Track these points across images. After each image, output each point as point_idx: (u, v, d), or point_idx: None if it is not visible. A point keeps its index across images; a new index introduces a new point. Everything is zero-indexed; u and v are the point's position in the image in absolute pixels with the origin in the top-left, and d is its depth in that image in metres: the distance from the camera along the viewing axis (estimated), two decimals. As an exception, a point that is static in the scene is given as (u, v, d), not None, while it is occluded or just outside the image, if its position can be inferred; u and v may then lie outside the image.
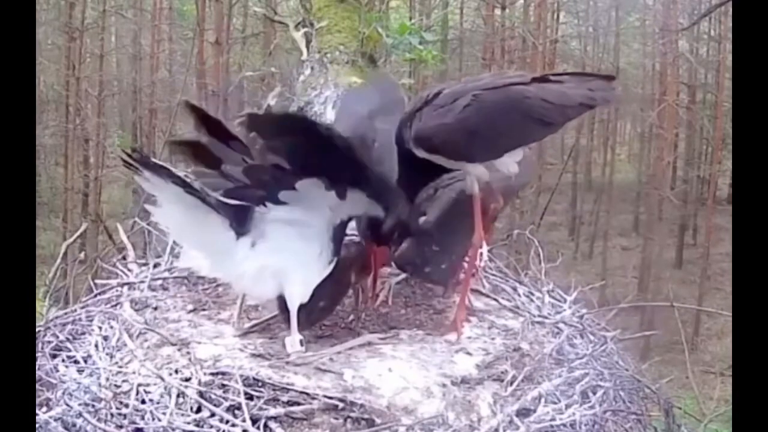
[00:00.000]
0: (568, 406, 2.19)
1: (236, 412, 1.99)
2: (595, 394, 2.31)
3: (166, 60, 17.75)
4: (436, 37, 11.02)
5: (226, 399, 2.02)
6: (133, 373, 2.17)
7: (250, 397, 2.03)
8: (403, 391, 2.09)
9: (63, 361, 2.34)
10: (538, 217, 15.90)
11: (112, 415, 2.05)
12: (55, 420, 2.06)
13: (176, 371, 2.16)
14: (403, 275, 2.72)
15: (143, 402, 2.06)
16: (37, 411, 2.07)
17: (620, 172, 21.19)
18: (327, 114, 3.45)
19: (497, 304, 2.72)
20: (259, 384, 2.06)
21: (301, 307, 2.25)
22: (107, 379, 2.17)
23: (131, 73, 17.28)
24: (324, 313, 2.46)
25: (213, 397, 2.04)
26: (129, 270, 2.87)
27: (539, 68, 14.33)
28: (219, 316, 2.54)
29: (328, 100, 3.55)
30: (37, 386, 2.18)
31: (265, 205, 2.16)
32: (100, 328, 2.47)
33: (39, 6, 12.95)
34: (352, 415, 2.01)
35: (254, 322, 2.48)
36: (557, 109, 2.34)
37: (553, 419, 2.13)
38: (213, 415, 1.99)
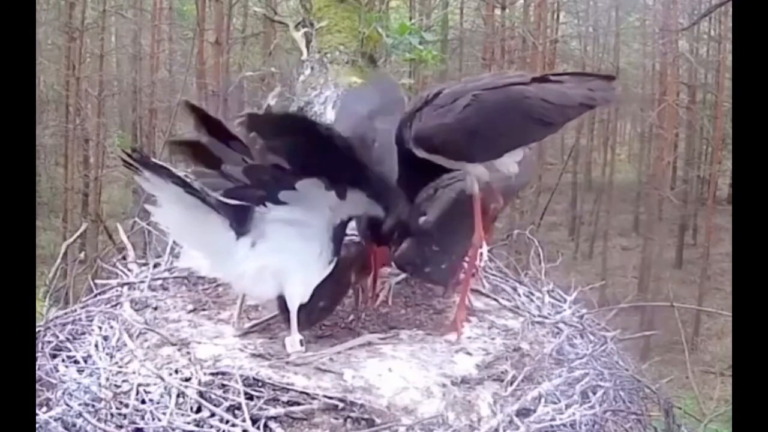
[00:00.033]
0: (568, 406, 2.18)
1: (236, 412, 1.99)
2: (595, 394, 2.31)
3: (166, 60, 17.74)
4: (436, 37, 11.03)
5: (226, 399, 2.02)
6: (133, 373, 2.17)
7: (250, 397, 2.03)
8: (403, 391, 2.09)
9: (63, 361, 2.34)
10: (538, 217, 15.90)
11: (112, 415, 2.05)
12: (55, 420, 2.06)
13: (176, 371, 2.15)
14: (403, 275, 2.72)
15: (143, 402, 2.06)
16: (37, 411, 2.07)
17: (620, 172, 21.19)
18: (327, 114, 3.45)
19: (497, 304, 2.72)
20: (259, 384, 2.06)
21: (301, 307, 2.25)
22: (107, 379, 2.17)
23: (131, 73, 17.28)
24: (324, 313, 2.46)
25: (213, 397, 2.04)
26: (129, 270, 2.87)
27: (539, 68, 14.33)
28: (219, 316, 2.54)
29: (328, 100, 3.55)
30: (37, 386, 2.18)
31: (265, 205, 2.16)
32: (100, 328, 2.47)
33: (39, 6, 12.95)
34: (352, 415, 2.01)
35: (254, 322, 2.48)
36: (557, 109, 2.34)
37: (553, 419, 2.13)
38: (213, 415, 1.99)
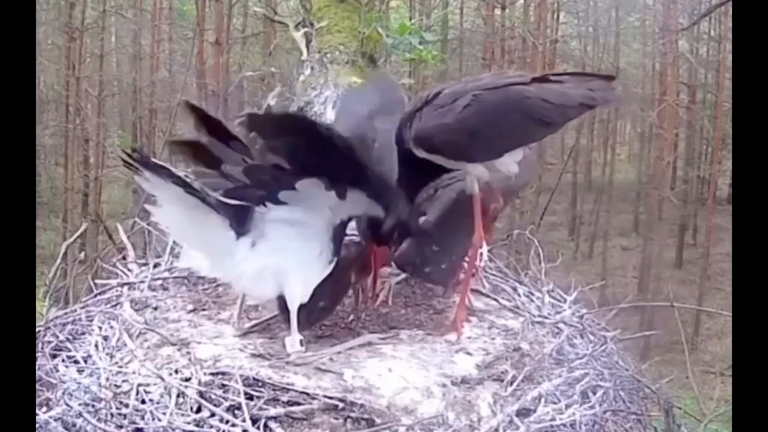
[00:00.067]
0: (568, 406, 2.19)
1: (236, 412, 1.99)
2: (595, 394, 2.31)
3: (166, 60, 17.73)
4: (436, 37, 11.03)
5: (226, 399, 2.02)
6: (133, 373, 2.17)
7: (250, 397, 2.03)
8: (403, 391, 2.09)
9: (63, 361, 2.34)
10: (538, 217, 15.89)
11: (112, 415, 2.05)
12: (55, 420, 2.06)
13: (176, 371, 2.15)
14: (403, 275, 2.72)
15: (143, 402, 2.06)
16: (37, 411, 2.07)
17: (620, 172, 21.20)
18: (327, 114, 3.45)
19: (497, 304, 2.72)
20: (259, 384, 2.06)
21: (301, 307, 2.25)
22: (107, 379, 2.17)
23: (131, 73, 17.27)
24: (324, 313, 2.46)
25: (213, 397, 2.04)
26: (129, 270, 2.87)
27: (539, 68, 14.33)
28: (219, 316, 2.54)
29: (328, 100, 3.55)
30: (37, 386, 2.18)
31: (265, 205, 2.16)
32: (100, 328, 2.47)
33: (39, 6, 12.97)
34: (352, 415, 2.01)
35: (254, 322, 2.48)
36: (557, 109, 2.34)
37: (553, 419, 2.13)
38: (213, 415, 1.99)
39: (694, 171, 19.29)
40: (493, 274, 2.92)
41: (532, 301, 2.80)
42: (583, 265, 16.91)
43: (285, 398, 2.03)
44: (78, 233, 6.23)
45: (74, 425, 2.05)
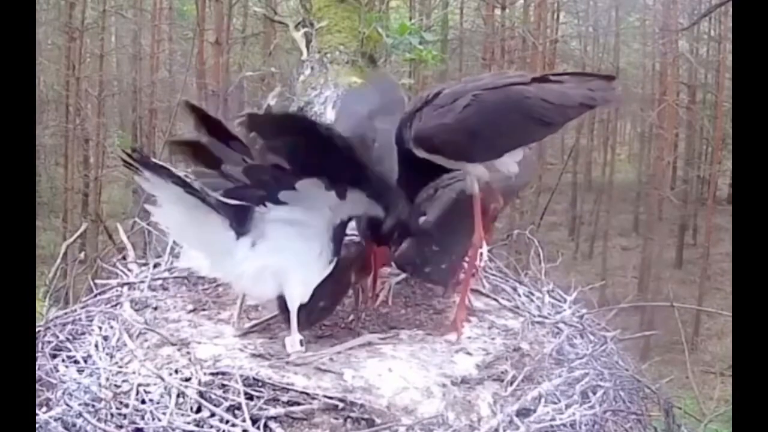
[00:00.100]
0: (568, 406, 2.19)
1: (236, 412, 1.99)
2: (595, 394, 2.31)
3: (166, 60, 17.73)
4: (436, 37, 11.03)
5: (226, 399, 2.02)
6: (133, 373, 2.17)
7: (250, 397, 2.03)
8: (403, 391, 2.09)
9: (63, 361, 2.34)
10: (538, 217, 15.89)
11: (112, 415, 2.05)
12: (55, 420, 2.06)
13: (176, 371, 2.15)
14: (403, 275, 2.72)
15: (143, 402, 2.06)
16: (37, 411, 2.07)
17: (620, 172, 21.20)
18: (327, 114, 3.45)
19: (497, 304, 2.72)
20: (259, 384, 2.06)
21: (301, 307, 2.25)
22: (107, 379, 2.17)
23: (131, 73, 17.27)
24: (324, 313, 2.46)
25: (213, 397, 2.04)
26: (129, 270, 2.87)
27: (539, 68, 14.33)
28: (219, 316, 2.54)
29: (328, 100, 3.55)
30: (37, 386, 2.18)
31: (265, 205, 2.16)
32: (100, 328, 2.47)
33: (39, 6, 12.96)
34: (352, 415, 2.01)
35: (254, 322, 2.48)
36: (557, 109, 2.34)
37: (553, 419, 2.13)
38: (213, 415, 1.99)
39: (694, 171, 19.29)
40: (493, 274, 2.92)
41: (532, 301, 2.80)
42: (583, 265, 16.91)
43: (285, 398, 2.03)
44: (78, 233, 6.23)
45: (74, 425, 2.05)
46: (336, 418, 2.01)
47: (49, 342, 2.43)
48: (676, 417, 2.83)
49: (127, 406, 2.05)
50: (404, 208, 2.42)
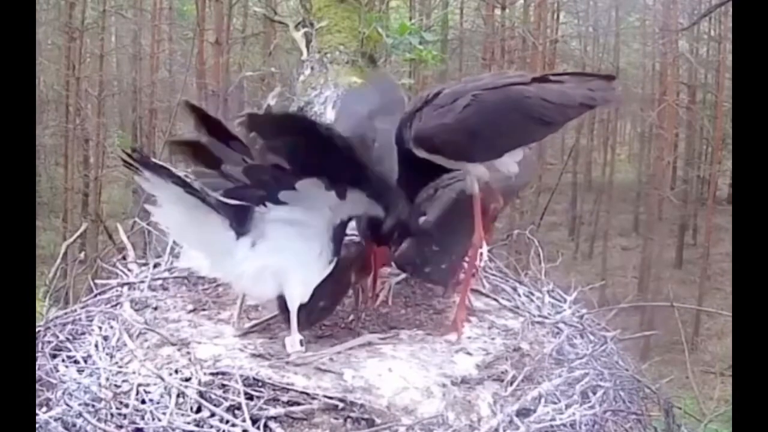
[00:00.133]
0: (568, 406, 2.19)
1: (236, 412, 1.99)
2: (595, 394, 2.31)
3: (166, 60, 17.73)
4: (436, 37, 11.02)
5: (226, 399, 2.02)
6: (133, 373, 2.17)
7: (250, 397, 2.03)
8: (403, 391, 2.09)
9: (63, 361, 2.34)
10: (538, 217, 15.89)
11: (112, 415, 2.04)
12: (55, 420, 2.06)
13: (176, 371, 2.15)
14: (403, 275, 2.72)
15: (143, 402, 2.06)
16: (37, 411, 2.07)
17: (620, 172, 21.19)
18: (327, 114, 3.44)
19: (497, 304, 2.72)
20: (259, 384, 2.06)
21: (301, 307, 2.25)
22: (107, 379, 2.16)
23: (131, 73, 17.28)
24: (324, 313, 2.46)
25: (213, 397, 2.04)
26: (129, 270, 2.87)
27: (539, 68, 14.33)
28: (219, 316, 2.54)
29: (328, 100, 3.55)
30: (37, 386, 2.18)
31: (265, 205, 2.16)
32: (100, 328, 2.47)
33: (39, 6, 12.97)
34: (352, 415, 2.01)
35: (254, 322, 2.48)
36: (557, 109, 2.34)
37: (553, 419, 2.13)
38: (213, 415, 1.99)
39: (694, 171, 19.29)
40: (493, 274, 2.92)
41: (532, 301, 2.80)
42: (583, 265, 16.91)
43: (285, 398, 2.03)
44: (78, 233, 6.24)
45: (74, 425, 2.05)
46: (336, 418, 2.01)
47: (49, 342, 2.43)
48: (676, 417, 2.83)
49: (127, 406, 2.05)
50: (404, 208, 2.42)
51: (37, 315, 2.50)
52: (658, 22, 17.33)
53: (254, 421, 1.97)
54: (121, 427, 2.01)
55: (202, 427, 1.98)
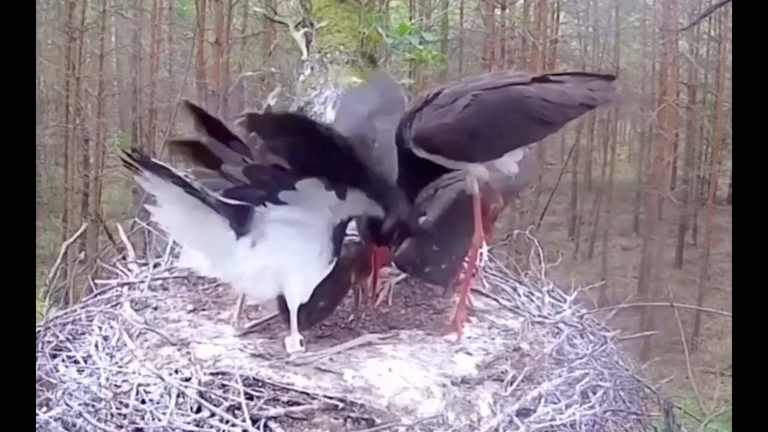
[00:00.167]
0: (568, 406, 2.19)
1: (236, 412, 1.99)
2: (595, 394, 2.31)
3: (166, 60, 17.73)
4: (436, 37, 11.03)
5: (226, 399, 2.02)
6: (133, 373, 2.17)
7: (250, 397, 2.03)
8: (403, 391, 2.09)
9: (63, 361, 2.34)
10: (538, 217, 15.89)
11: (112, 415, 2.05)
12: (55, 420, 2.06)
13: (176, 371, 2.15)
14: (403, 275, 2.72)
15: (143, 402, 2.06)
16: (37, 411, 2.07)
17: (620, 172, 21.19)
18: (327, 114, 3.45)
19: (497, 304, 2.72)
20: (259, 384, 2.06)
21: (301, 307, 2.25)
22: (107, 379, 2.16)
23: (131, 73, 17.29)
24: (324, 313, 2.46)
25: (213, 397, 2.04)
26: (129, 270, 2.87)
27: (539, 68, 14.33)
28: (219, 316, 2.54)
29: (328, 100, 3.55)
30: (37, 386, 2.18)
31: (265, 205, 2.16)
32: (100, 328, 2.47)
33: (39, 6, 12.97)
34: (352, 415, 2.01)
35: (254, 322, 2.48)
36: (557, 109, 2.34)
37: (553, 419, 2.13)
38: (213, 415, 1.99)
39: (694, 171, 19.29)
40: (493, 274, 2.92)
41: (532, 301, 2.80)
42: (583, 265, 16.91)
43: (285, 398, 2.03)
44: (78, 233, 6.24)
45: (74, 425, 2.05)
46: (336, 418, 2.01)
47: (49, 342, 2.43)
48: (676, 417, 2.83)
49: (127, 406, 2.05)
50: (404, 208, 2.42)
51: (37, 315, 2.50)
52: (658, 22, 17.33)
53: (254, 421, 1.97)
54: (121, 427, 2.01)
55: (202, 427, 1.98)
